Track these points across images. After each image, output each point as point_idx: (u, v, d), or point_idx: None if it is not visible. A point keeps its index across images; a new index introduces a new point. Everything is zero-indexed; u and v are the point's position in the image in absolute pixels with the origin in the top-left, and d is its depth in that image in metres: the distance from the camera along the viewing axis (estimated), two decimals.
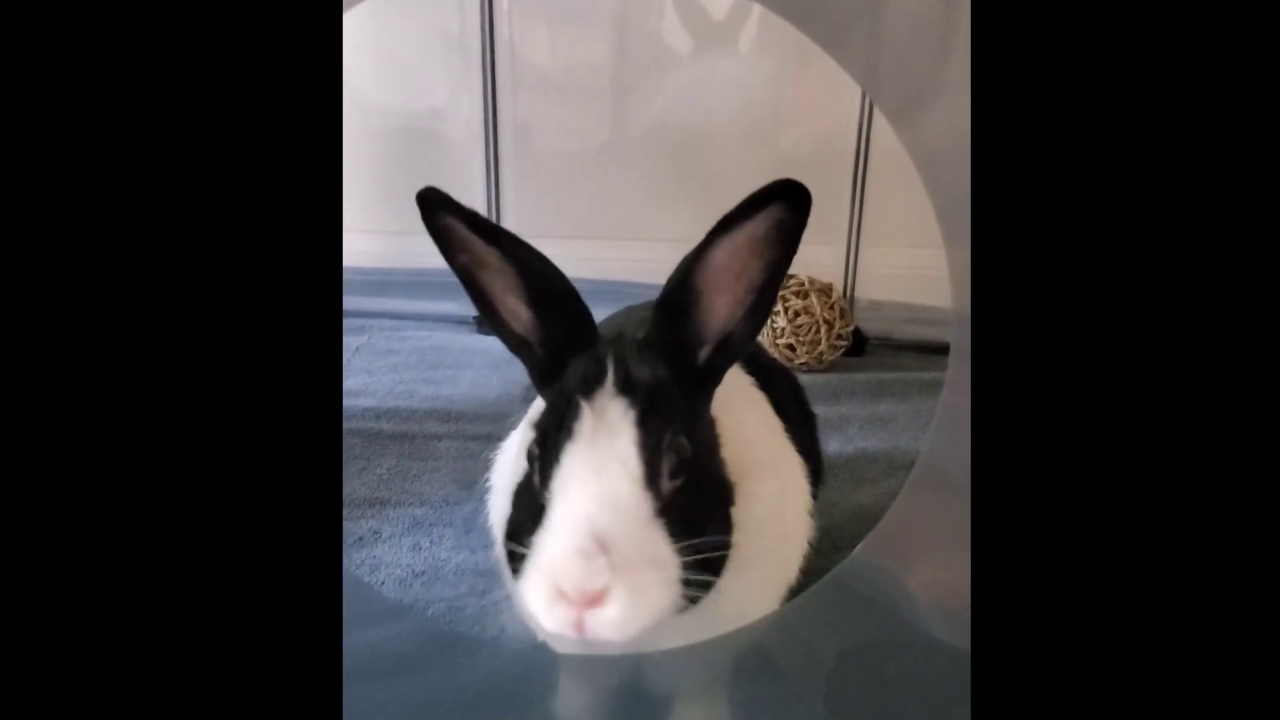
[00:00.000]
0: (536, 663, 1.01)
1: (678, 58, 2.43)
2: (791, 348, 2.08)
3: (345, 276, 2.46)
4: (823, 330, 2.07)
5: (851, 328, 2.17)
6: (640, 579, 0.67)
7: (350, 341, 2.22)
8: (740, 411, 0.92)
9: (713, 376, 0.81)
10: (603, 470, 0.70)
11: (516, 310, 0.81)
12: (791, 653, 0.98)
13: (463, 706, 0.92)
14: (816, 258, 2.39)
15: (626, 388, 0.74)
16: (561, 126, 2.51)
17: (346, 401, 1.84)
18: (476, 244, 0.79)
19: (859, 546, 1.00)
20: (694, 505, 0.72)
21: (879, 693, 0.91)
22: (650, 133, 2.47)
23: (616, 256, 2.54)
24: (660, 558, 0.69)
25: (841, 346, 2.13)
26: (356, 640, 1.01)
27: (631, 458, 0.70)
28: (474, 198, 2.48)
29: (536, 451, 0.75)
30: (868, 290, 2.44)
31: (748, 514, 0.81)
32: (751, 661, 1.03)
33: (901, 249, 2.39)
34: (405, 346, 2.22)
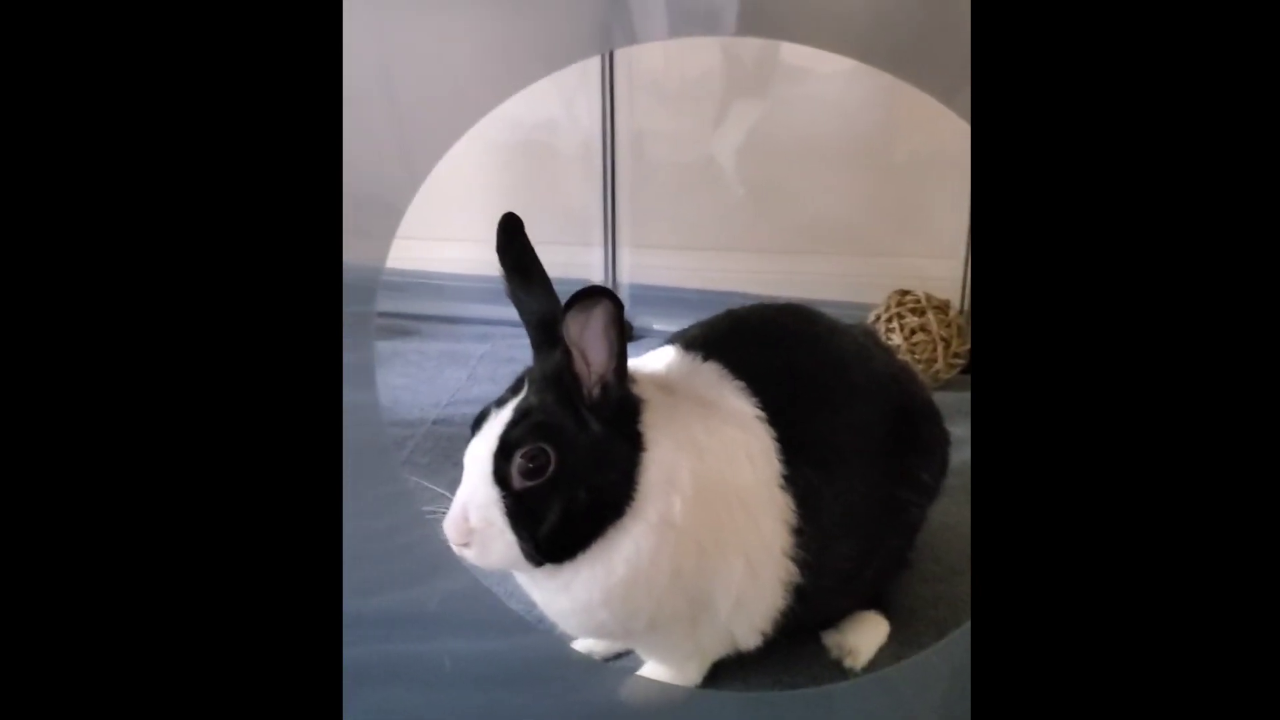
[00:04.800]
0: (665, 690, 1.06)
1: (788, 67, 2.43)
2: None
3: (469, 284, 2.58)
4: (939, 348, 2.04)
5: (969, 346, 2.12)
6: (484, 537, 0.92)
7: (474, 349, 2.31)
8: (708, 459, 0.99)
9: (606, 406, 0.94)
10: (474, 461, 0.95)
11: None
12: (907, 669, 0.98)
13: None
14: (931, 271, 2.35)
15: (513, 405, 0.96)
16: (674, 137, 2.54)
17: (471, 409, 1.92)
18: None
19: None
20: (544, 502, 0.91)
21: None
22: (760, 143, 2.48)
23: (724, 267, 2.56)
24: (500, 528, 0.92)
25: (958, 365, 2.09)
26: (480, 649, 1.07)
27: (486, 458, 0.93)
28: (590, 208, 2.54)
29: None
30: None
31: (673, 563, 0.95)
32: (868, 686, 1.04)
33: None
34: (528, 355, 2.28)
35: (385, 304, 1.12)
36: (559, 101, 2.55)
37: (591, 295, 0.88)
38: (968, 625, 1.05)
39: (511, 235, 1.02)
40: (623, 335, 0.92)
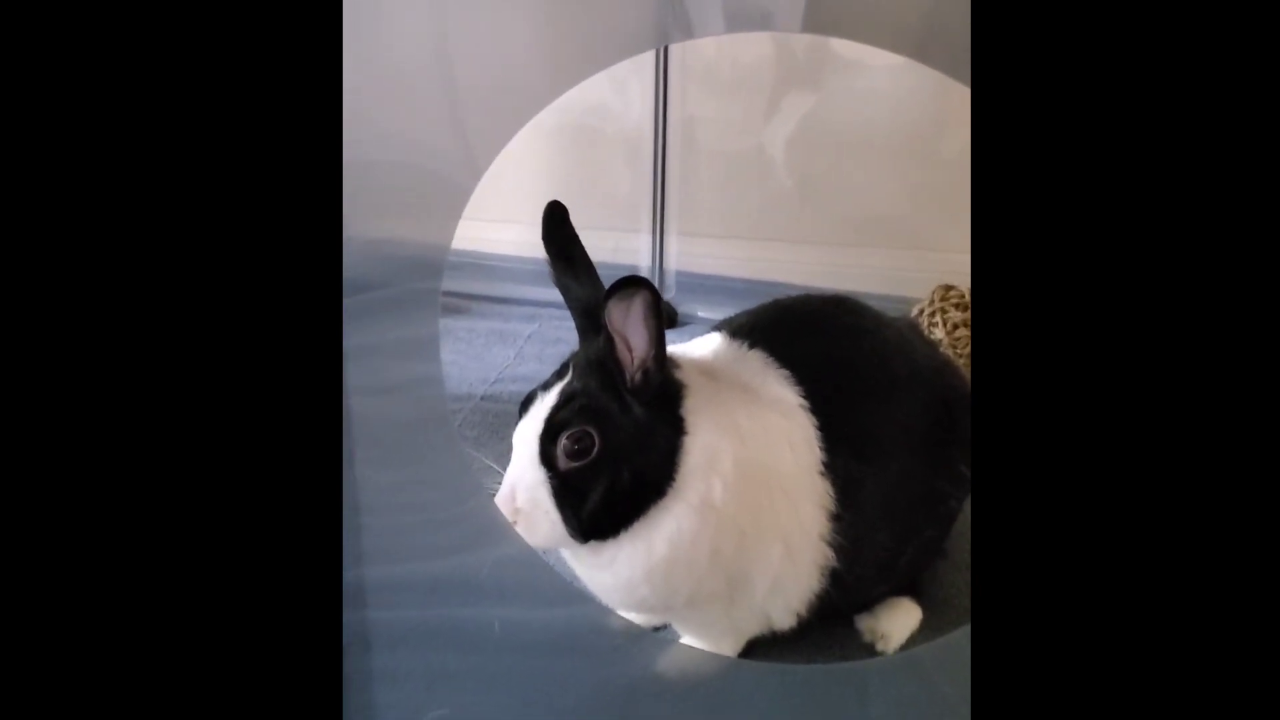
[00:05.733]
0: (705, 661, 1.09)
1: (839, 59, 2.42)
2: None
3: (518, 266, 2.63)
4: None
5: None
6: (531, 516, 0.97)
7: (522, 329, 2.36)
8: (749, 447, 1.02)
9: (648, 390, 0.98)
10: (522, 443, 0.99)
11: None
12: (938, 649, 1.01)
13: (627, 693, 1.01)
14: None
15: (559, 388, 1.00)
16: (725, 126, 2.54)
17: (518, 387, 1.97)
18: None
19: None
20: (588, 482, 0.96)
21: None
22: (809, 135, 2.48)
23: (770, 257, 2.57)
24: (545, 508, 0.96)
25: None
26: (528, 616, 1.12)
27: (533, 440, 0.98)
28: (639, 194, 2.57)
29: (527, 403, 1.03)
30: None
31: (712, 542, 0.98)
32: (899, 664, 1.07)
33: None
34: (574, 336, 2.32)
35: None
36: (611, 87, 2.55)
37: (631, 284, 0.91)
38: None
39: (556, 223, 1.06)
40: (662, 323, 0.95)
